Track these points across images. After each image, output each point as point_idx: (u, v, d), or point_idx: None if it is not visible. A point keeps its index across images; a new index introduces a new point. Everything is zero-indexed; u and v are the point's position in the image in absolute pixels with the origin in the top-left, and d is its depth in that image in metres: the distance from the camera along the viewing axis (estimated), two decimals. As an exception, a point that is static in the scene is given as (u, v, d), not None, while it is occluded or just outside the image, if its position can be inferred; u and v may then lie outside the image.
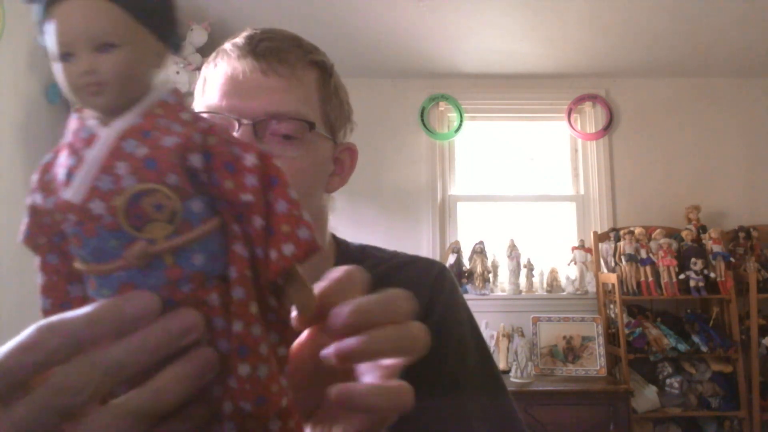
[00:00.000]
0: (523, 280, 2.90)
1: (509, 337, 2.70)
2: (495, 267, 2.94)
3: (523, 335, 2.69)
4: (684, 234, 2.80)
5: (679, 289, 2.70)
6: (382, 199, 3.03)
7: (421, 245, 2.95)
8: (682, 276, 2.70)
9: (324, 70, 0.68)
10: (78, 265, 0.32)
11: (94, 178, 0.30)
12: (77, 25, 0.30)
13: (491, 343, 2.70)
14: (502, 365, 2.63)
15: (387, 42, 2.76)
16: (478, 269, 2.87)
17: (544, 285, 2.95)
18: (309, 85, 0.65)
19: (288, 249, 0.32)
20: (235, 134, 0.58)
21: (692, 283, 2.69)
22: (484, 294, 2.85)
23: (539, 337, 2.70)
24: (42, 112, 1.84)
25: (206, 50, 2.33)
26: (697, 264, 2.70)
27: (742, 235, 2.83)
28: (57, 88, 1.84)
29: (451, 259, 2.88)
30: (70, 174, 0.31)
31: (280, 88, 0.62)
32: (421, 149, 3.09)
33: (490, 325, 2.75)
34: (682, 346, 2.60)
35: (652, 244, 2.76)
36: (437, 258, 2.83)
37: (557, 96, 3.12)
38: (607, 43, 2.81)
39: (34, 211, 0.33)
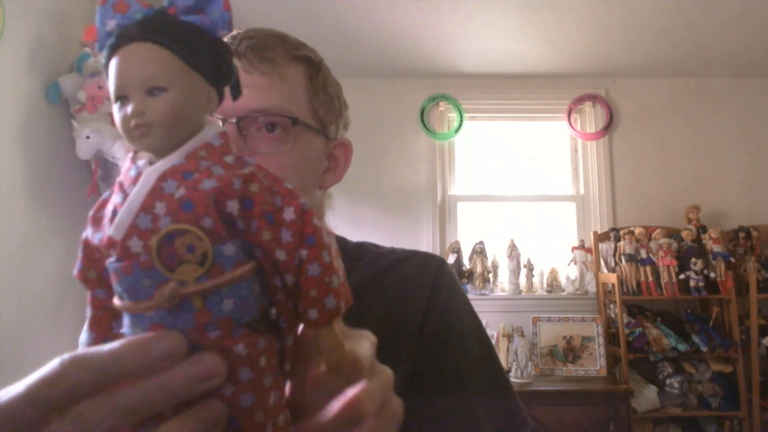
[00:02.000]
0: (523, 280, 2.90)
1: (509, 337, 2.70)
2: (495, 267, 2.94)
3: (523, 335, 2.69)
4: (684, 234, 2.80)
5: (679, 289, 2.70)
6: (382, 199, 3.03)
7: (421, 245, 2.95)
8: (682, 276, 2.70)
9: (311, 65, 0.67)
10: (116, 301, 0.32)
11: (134, 217, 0.31)
12: (132, 70, 0.32)
13: (491, 343, 2.70)
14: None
15: (387, 42, 2.76)
16: (478, 269, 2.87)
17: (544, 285, 2.95)
18: (294, 81, 0.65)
19: (312, 314, 0.32)
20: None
21: (692, 283, 2.69)
22: (484, 294, 2.85)
23: (539, 337, 2.70)
24: (42, 112, 1.84)
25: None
26: (697, 264, 2.70)
27: (742, 235, 2.83)
28: (57, 88, 1.84)
29: (451, 259, 2.88)
30: (115, 211, 0.32)
31: (263, 85, 0.62)
32: (421, 149, 3.09)
33: (490, 325, 2.74)
34: (682, 346, 2.60)
35: (652, 244, 2.76)
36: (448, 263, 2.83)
37: (557, 96, 3.12)
38: (607, 43, 2.81)
39: (86, 246, 0.34)
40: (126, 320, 0.32)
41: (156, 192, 0.31)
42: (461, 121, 3.08)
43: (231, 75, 0.36)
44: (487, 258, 2.91)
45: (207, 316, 0.31)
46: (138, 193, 0.31)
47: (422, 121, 3.08)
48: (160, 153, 0.33)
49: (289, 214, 0.32)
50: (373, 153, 3.02)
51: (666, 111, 3.14)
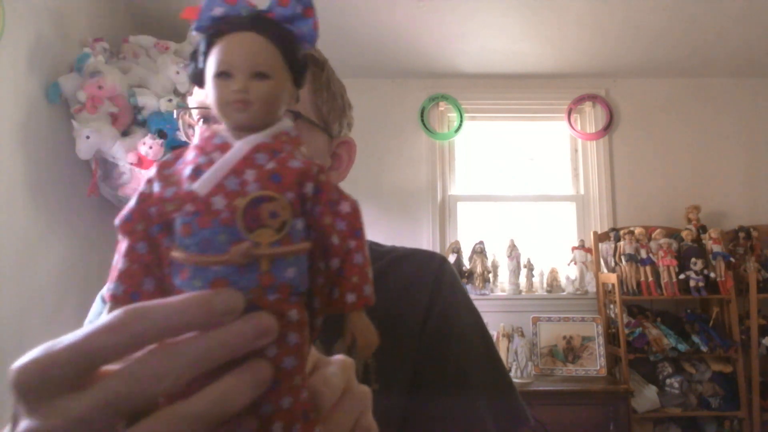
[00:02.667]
0: (523, 280, 2.90)
1: (509, 337, 2.69)
2: (495, 267, 2.94)
3: (523, 335, 2.68)
4: (684, 234, 2.80)
5: (679, 289, 2.70)
6: (382, 199, 3.03)
7: (421, 245, 2.94)
8: (682, 276, 2.70)
9: (314, 63, 0.68)
10: (177, 253, 0.34)
11: (223, 177, 0.34)
12: (242, 53, 0.36)
13: (491, 343, 2.70)
14: (502, 365, 2.63)
15: (387, 42, 2.76)
16: (478, 269, 2.87)
17: (544, 285, 2.95)
18: None
19: (350, 298, 0.36)
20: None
21: (692, 283, 2.69)
22: (484, 294, 2.85)
23: (539, 337, 2.69)
24: (42, 112, 1.84)
25: (206, 50, 2.32)
26: (697, 264, 2.70)
27: (742, 235, 2.83)
28: (57, 88, 1.84)
29: (451, 259, 2.88)
30: (197, 170, 0.35)
31: None
32: (421, 149, 3.09)
33: (490, 325, 2.72)
34: (682, 346, 2.60)
35: (652, 244, 2.75)
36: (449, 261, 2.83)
37: (557, 96, 3.12)
38: (607, 43, 2.81)
39: (143, 198, 0.36)
40: (185, 272, 0.33)
41: (248, 160, 0.35)
42: (461, 121, 3.08)
43: (303, 84, 0.40)
44: (487, 258, 2.91)
45: (270, 279, 0.33)
46: (230, 157, 0.35)
47: (422, 121, 3.08)
48: (245, 130, 0.37)
49: (345, 207, 0.37)
50: (373, 153, 3.02)
51: (666, 111, 3.14)
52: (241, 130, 0.37)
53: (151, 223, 0.35)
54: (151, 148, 1.86)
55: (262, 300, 0.33)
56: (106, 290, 0.36)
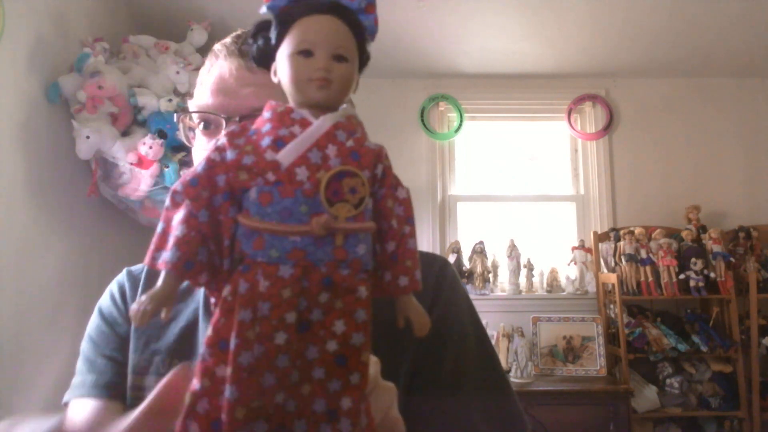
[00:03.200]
0: (523, 280, 2.90)
1: (509, 337, 2.69)
2: (495, 267, 2.93)
3: (523, 335, 2.68)
4: (684, 234, 2.80)
5: (679, 289, 2.70)
6: (382, 199, 3.02)
7: (421, 245, 2.94)
8: (682, 276, 2.70)
9: None
10: (252, 221, 0.34)
11: (306, 150, 0.35)
12: (326, 34, 0.38)
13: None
14: (502, 365, 2.63)
15: (387, 42, 2.76)
16: (478, 269, 2.87)
17: (544, 285, 2.95)
18: None
19: (403, 281, 0.37)
20: (223, 132, 0.60)
21: (692, 283, 2.69)
22: (484, 294, 2.85)
23: (539, 337, 2.69)
24: (42, 112, 1.83)
25: (206, 50, 2.32)
26: (697, 264, 2.70)
27: (742, 235, 2.83)
28: (57, 88, 1.84)
29: (451, 259, 2.88)
30: (278, 141, 0.35)
31: (267, 83, 0.63)
32: (421, 149, 3.09)
33: (490, 325, 2.74)
34: (682, 346, 2.60)
35: (652, 244, 2.75)
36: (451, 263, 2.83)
37: (557, 96, 3.12)
38: (607, 43, 2.81)
39: (213, 165, 0.36)
40: (259, 241, 0.33)
41: (330, 136, 0.36)
42: (461, 121, 3.08)
43: (362, 71, 0.42)
44: (487, 258, 2.91)
45: (344, 254, 0.34)
46: (313, 131, 0.36)
47: (422, 121, 3.08)
48: (320, 108, 0.37)
49: (402, 193, 0.38)
50: (373, 153, 3.02)
51: (666, 111, 3.14)
52: (317, 107, 0.37)
53: (217, 191, 0.35)
54: (151, 148, 1.86)
55: (336, 274, 0.33)
56: (151, 258, 0.35)
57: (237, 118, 0.62)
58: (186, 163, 1.95)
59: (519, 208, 3.16)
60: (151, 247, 0.35)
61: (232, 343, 0.32)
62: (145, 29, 2.36)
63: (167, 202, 0.36)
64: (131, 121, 1.96)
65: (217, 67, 0.65)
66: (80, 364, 0.76)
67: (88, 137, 1.82)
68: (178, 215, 0.35)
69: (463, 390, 0.65)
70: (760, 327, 2.68)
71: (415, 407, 0.63)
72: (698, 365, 2.69)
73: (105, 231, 2.19)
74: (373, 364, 0.39)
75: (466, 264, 2.92)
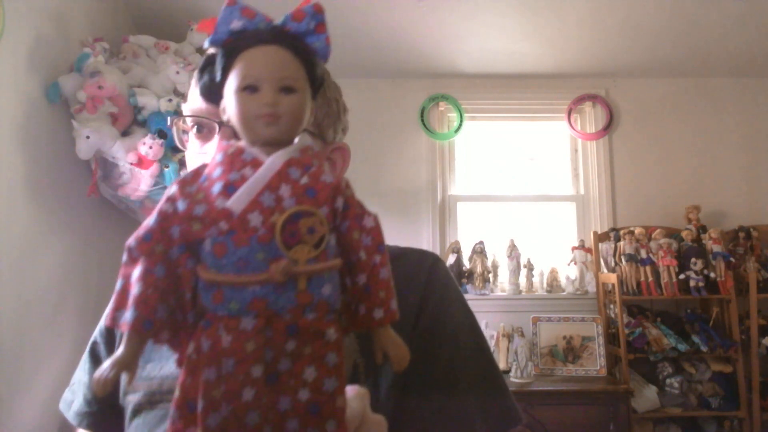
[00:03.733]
0: (523, 280, 2.90)
1: (509, 337, 2.69)
2: (495, 267, 2.93)
3: (523, 335, 2.68)
4: (684, 234, 2.80)
5: (679, 289, 2.70)
6: (382, 199, 3.02)
7: (421, 245, 2.93)
8: (682, 276, 2.70)
9: None
10: (209, 274, 0.32)
11: (258, 194, 0.33)
12: (270, 66, 0.36)
13: (491, 343, 2.70)
14: (502, 365, 2.63)
15: (387, 42, 2.76)
16: (478, 269, 2.87)
17: (544, 285, 2.95)
18: None
19: (377, 314, 0.35)
20: (216, 136, 0.61)
21: (692, 283, 2.69)
22: (484, 294, 2.85)
23: (539, 337, 2.69)
24: (42, 112, 1.83)
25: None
26: (697, 264, 2.70)
27: (742, 235, 2.83)
28: (57, 88, 1.84)
29: (451, 259, 2.88)
30: (229, 187, 0.34)
31: None
32: (421, 149, 3.09)
33: (490, 325, 2.74)
34: (682, 346, 2.59)
35: (652, 244, 2.75)
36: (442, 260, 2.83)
37: (557, 96, 3.12)
38: (607, 43, 2.81)
39: (165, 218, 0.35)
40: (218, 295, 0.32)
41: (282, 175, 0.34)
42: (461, 121, 3.08)
43: (317, 98, 0.40)
44: (487, 258, 2.91)
45: (308, 298, 0.32)
46: (264, 173, 0.34)
47: (422, 121, 3.08)
48: (271, 144, 0.36)
49: (369, 221, 0.37)
50: (373, 153, 3.02)
51: (666, 111, 3.14)
52: (269, 144, 0.36)
53: (172, 244, 0.34)
54: (151, 148, 1.86)
55: (301, 320, 0.32)
56: (111, 318, 0.33)
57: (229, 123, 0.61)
58: (186, 163, 1.95)
59: (519, 208, 3.16)
60: (111, 305, 0.34)
61: (200, 404, 0.31)
62: (145, 29, 2.36)
63: (124, 257, 0.35)
64: (131, 121, 1.96)
65: None
66: (77, 374, 0.78)
67: (88, 137, 1.82)
68: (136, 272, 0.34)
69: (458, 388, 0.65)
70: (760, 327, 2.68)
71: (410, 406, 0.62)
72: (698, 365, 2.69)
73: (105, 231, 2.19)
74: (360, 397, 0.38)
75: (466, 264, 2.92)
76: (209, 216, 0.33)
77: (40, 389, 1.74)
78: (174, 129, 0.69)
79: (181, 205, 0.34)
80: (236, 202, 0.33)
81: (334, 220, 0.35)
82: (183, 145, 0.69)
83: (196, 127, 0.65)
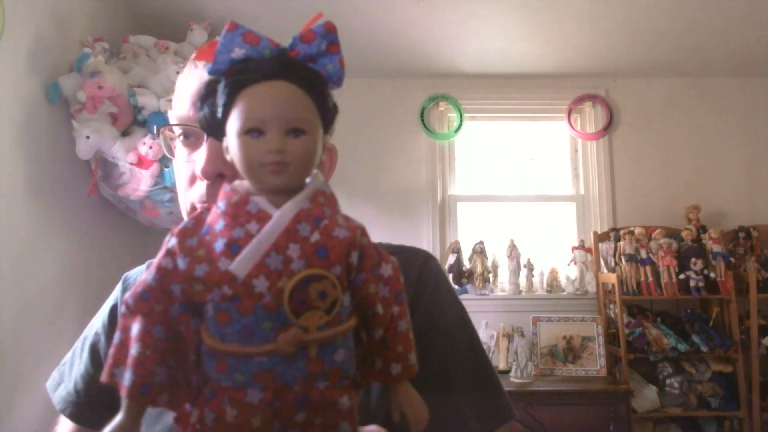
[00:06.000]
0: (523, 280, 2.90)
1: (509, 337, 2.69)
2: (495, 267, 2.93)
3: (523, 335, 2.68)
4: (684, 234, 2.80)
5: (679, 289, 2.70)
6: (382, 199, 3.02)
7: (421, 245, 2.92)
8: (682, 276, 2.70)
9: None
10: (212, 342, 0.30)
11: (264, 255, 0.30)
12: (277, 106, 0.32)
13: (491, 343, 2.70)
14: (502, 365, 2.63)
15: (387, 42, 2.76)
16: (478, 269, 2.87)
17: (544, 285, 2.95)
18: None
19: (395, 369, 0.32)
20: (204, 144, 0.58)
21: (692, 283, 2.69)
22: (484, 294, 2.85)
23: (539, 337, 2.69)
24: (42, 112, 1.83)
25: (206, 50, 2.31)
26: (697, 264, 2.70)
27: (742, 235, 2.83)
28: (57, 88, 1.84)
29: (451, 259, 2.88)
30: (233, 245, 0.30)
31: None
32: (421, 149, 3.09)
33: (490, 325, 2.75)
34: (682, 346, 2.59)
35: (652, 244, 2.75)
36: (437, 257, 2.83)
37: (557, 96, 3.12)
38: (607, 43, 2.81)
39: (165, 275, 0.31)
40: (222, 365, 0.29)
41: (290, 233, 0.30)
42: (461, 121, 3.08)
43: (331, 131, 0.36)
44: (487, 258, 2.91)
45: (320, 366, 0.30)
46: (270, 231, 0.30)
47: (422, 121, 3.08)
48: (279, 193, 0.32)
49: (387, 270, 0.33)
50: (373, 153, 3.02)
51: (666, 111, 3.14)
52: (276, 193, 0.32)
53: (173, 303, 0.31)
54: (151, 148, 1.86)
55: (312, 390, 0.29)
56: (109, 375, 0.31)
57: None
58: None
59: (519, 208, 3.16)
60: (109, 360, 0.32)
61: None
62: (145, 29, 2.36)
63: (123, 309, 0.32)
64: (131, 121, 1.96)
65: (197, 77, 0.62)
66: (68, 357, 0.79)
67: (88, 137, 1.82)
68: (134, 327, 0.31)
69: (451, 385, 0.65)
70: (760, 327, 2.68)
71: None
72: (698, 365, 2.69)
73: (105, 231, 2.19)
74: None
75: (466, 264, 2.92)
76: (211, 279, 0.30)
77: (40, 389, 1.73)
78: (161, 137, 0.67)
79: (181, 263, 0.31)
80: (240, 264, 0.30)
81: (349, 277, 0.32)
82: (171, 153, 0.67)
83: (183, 136, 0.64)
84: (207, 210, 0.33)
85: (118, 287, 0.78)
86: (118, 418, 0.31)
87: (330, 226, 0.32)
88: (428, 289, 0.69)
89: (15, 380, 1.65)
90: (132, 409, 0.31)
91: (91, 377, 0.74)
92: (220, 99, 0.33)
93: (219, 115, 0.33)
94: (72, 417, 0.74)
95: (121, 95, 1.89)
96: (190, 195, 0.63)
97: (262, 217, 0.31)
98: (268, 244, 0.30)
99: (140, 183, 1.90)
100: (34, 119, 1.79)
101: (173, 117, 0.65)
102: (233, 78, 0.33)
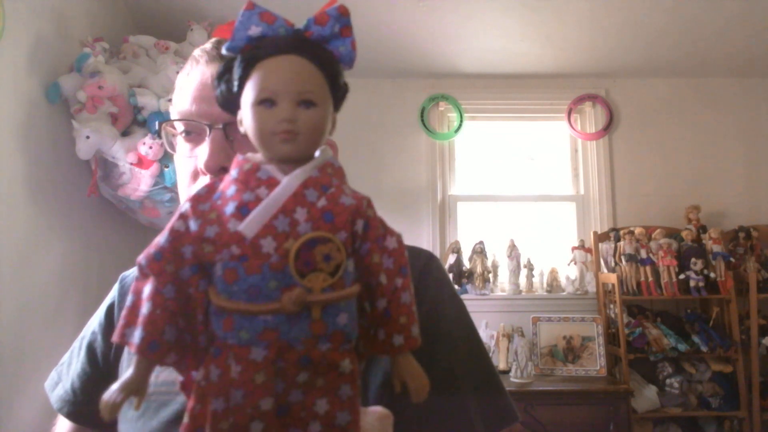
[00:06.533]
0: (523, 280, 2.90)
1: (509, 337, 2.69)
2: (495, 267, 2.93)
3: (523, 335, 2.68)
4: (684, 234, 2.80)
5: (679, 289, 2.70)
6: (382, 199, 3.02)
7: (421, 245, 2.91)
8: (682, 276, 2.70)
9: None
10: (219, 300, 0.31)
11: (272, 217, 0.31)
12: (289, 78, 0.33)
13: (491, 343, 2.70)
14: (502, 365, 2.63)
15: (387, 42, 2.76)
16: (478, 269, 2.87)
17: (544, 285, 2.95)
18: None
19: (397, 340, 0.33)
20: (207, 139, 0.59)
21: (692, 283, 2.69)
22: (484, 294, 2.85)
23: (539, 337, 2.69)
24: (42, 112, 1.84)
25: (206, 50, 2.31)
26: (697, 264, 2.70)
27: (742, 235, 2.83)
28: (57, 88, 1.84)
29: (451, 259, 2.88)
30: (242, 208, 0.32)
31: None
32: (421, 149, 3.09)
33: (490, 325, 2.75)
34: (682, 346, 2.60)
35: (652, 244, 2.75)
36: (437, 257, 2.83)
37: (557, 96, 3.12)
38: (607, 43, 2.81)
39: (177, 236, 0.33)
40: (228, 322, 0.30)
41: (298, 197, 0.32)
42: (461, 121, 3.08)
43: (340, 108, 0.37)
44: (487, 258, 2.91)
45: (322, 328, 0.31)
46: (278, 195, 0.32)
47: (422, 121, 3.08)
48: (289, 161, 0.34)
49: (391, 242, 0.34)
50: (373, 153, 3.02)
51: (666, 111, 3.14)
52: (286, 162, 0.34)
53: (184, 264, 0.32)
54: (151, 148, 1.86)
55: (314, 351, 0.30)
56: (121, 335, 0.32)
57: (220, 126, 0.60)
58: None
59: (519, 208, 3.16)
60: (121, 321, 0.33)
61: None
62: (145, 29, 2.36)
63: (137, 272, 0.33)
64: (131, 121, 1.97)
65: (198, 73, 0.63)
66: (66, 357, 0.79)
67: (88, 137, 1.82)
68: (146, 289, 0.33)
69: (454, 387, 0.64)
70: (760, 327, 2.68)
71: (406, 407, 0.62)
72: (698, 365, 2.69)
73: (105, 231, 2.19)
74: (382, 419, 0.37)
75: (466, 264, 2.92)
76: (221, 239, 0.31)
77: (40, 389, 1.73)
78: (163, 133, 0.68)
79: (193, 225, 0.33)
80: (249, 225, 0.31)
81: (354, 244, 0.33)
82: (173, 149, 0.68)
83: (185, 132, 0.64)
84: (220, 180, 0.35)
85: (115, 287, 0.78)
86: (128, 372, 0.33)
87: (336, 193, 0.33)
88: (430, 291, 0.68)
89: (15, 380, 1.65)
90: (141, 365, 0.32)
91: (88, 376, 0.74)
92: (236, 73, 0.35)
93: (235, 89, 0.35)
94: (70, 416, 0.74)
95: (121, 95, 1.89)
96: (192, 191, 0.63)
97: (272, 183, 0.33)
98: (277, 207, 0.31)
99: (140, 183, 1.90)
100: (34, 119, 1.79)
101: (174, 113, 0.66)
102: (249, 53, 0.34)
